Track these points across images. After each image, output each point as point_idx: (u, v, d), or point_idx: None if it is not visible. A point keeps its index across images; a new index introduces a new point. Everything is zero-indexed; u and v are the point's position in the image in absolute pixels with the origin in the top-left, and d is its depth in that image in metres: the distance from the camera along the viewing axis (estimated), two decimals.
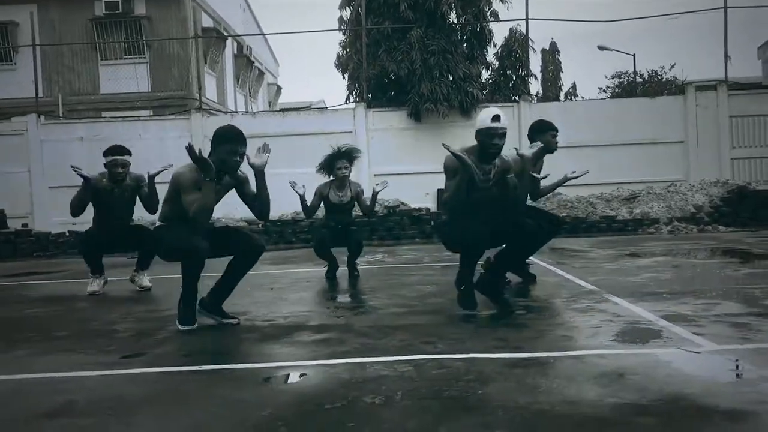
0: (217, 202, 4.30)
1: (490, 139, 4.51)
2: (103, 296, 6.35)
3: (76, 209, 6.27)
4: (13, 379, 3.45)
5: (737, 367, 3.14)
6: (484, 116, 4.56)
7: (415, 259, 8.81)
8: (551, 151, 5.87)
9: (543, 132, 5.82)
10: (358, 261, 7.14)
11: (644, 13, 49.49)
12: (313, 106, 38.00)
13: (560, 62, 39.11)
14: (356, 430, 2.46)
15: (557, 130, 6.00)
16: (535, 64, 28.45)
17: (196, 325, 4.40)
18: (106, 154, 6.35)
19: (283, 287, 6.46)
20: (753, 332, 3.73)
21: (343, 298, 5.81)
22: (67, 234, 12.42)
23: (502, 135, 4.54)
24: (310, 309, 5.12)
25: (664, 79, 30.97)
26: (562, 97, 36.43)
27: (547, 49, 36.85)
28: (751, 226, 11.49)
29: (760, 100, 14.81)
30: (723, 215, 11.73)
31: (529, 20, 15.18)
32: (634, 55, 29.26)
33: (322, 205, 6.89)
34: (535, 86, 19.95)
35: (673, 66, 32.30)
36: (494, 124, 4.49)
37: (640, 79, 30.58)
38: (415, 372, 3.18)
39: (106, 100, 20.84)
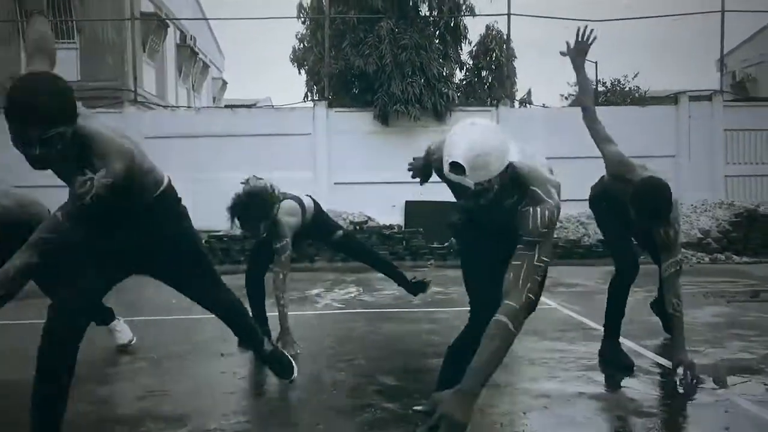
0: None
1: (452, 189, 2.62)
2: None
3: None
4: None
5: None
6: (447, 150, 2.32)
7: (400, 297, 7.11)
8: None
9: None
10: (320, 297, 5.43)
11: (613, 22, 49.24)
12: (259, 104, 36.12)
13: (515, 68, 38.16)
14: None
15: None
16: (522, 65, 27.26)
17: None
18: None
19: (236, 352, 4.70)
20: None
21: (325, 383, 4.04)
22: None
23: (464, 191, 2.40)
24: (273, 404, 3.37)
25: (626, 89, 30.17)
26: (516, 104, 35.48)
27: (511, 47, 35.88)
28: (764, 255, 10.24)
29: (760, 112, 13.67)
30: (732, 242, 10.45)
31: (510, 15, 13.67)
32: (596, 63, 28.27)
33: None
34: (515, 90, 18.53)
35: (636, 75, 31.57)
36: (451, 174, 2.30)
37: (603, 88, 29.67)
38: None
39: None
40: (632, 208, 3.48)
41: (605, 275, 7.00)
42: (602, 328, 4.19)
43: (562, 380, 3.81)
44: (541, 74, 35.59)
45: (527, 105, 35.88)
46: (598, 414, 3.24)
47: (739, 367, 3.96)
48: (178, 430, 3.03)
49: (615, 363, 4.00)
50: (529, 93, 38.15)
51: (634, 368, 3.93)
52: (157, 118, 13.65)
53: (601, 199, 4.22)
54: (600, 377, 3.87)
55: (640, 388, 3.62)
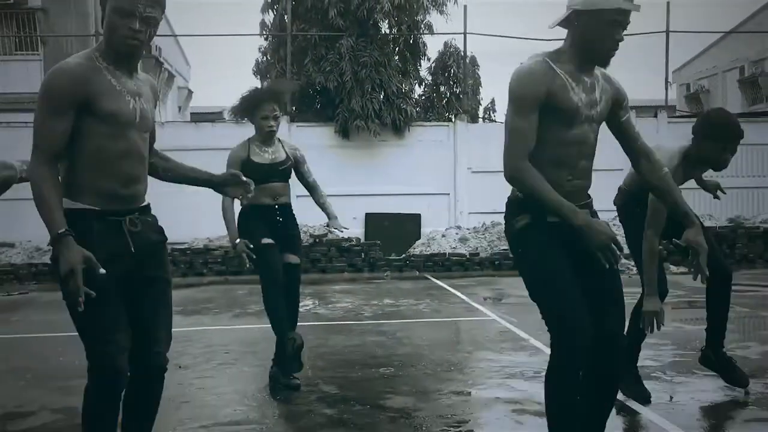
0: None
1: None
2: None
3: None
4: None
5: None
6: None
7: (353, 310, 7.54)
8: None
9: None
10: None
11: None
12: (225, 112, 36.20)
13: (479, 76, 38.84)
14: None
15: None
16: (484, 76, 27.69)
17: None
18: None
19: (197, 362, 5.08)
20: None
21: (279, 398, 4.41)
22: None
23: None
24: (235, 419, 3.76)
25: None
26: (481, 113, 36.15)
27: (467, 62, 36.46)
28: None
29: None
30: (672, 253, 11.04)
31: (467, 34, 14.21)
32: None
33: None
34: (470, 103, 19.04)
35: None
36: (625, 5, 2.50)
37: None
38: None
39: None
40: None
41: None
42: (531, 339, 4.55)
43: (485, 387, 4.27)
44: (503, 84, 36.27)
45: (491, 114, 36.58)
46: (510, 415, 3.69)
47: (643, 374, 4.45)
48: None
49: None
50: (492, 102, 38.73)
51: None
52: None
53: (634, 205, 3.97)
54: (517, 384, 4.32)
55: None
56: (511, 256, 9.82)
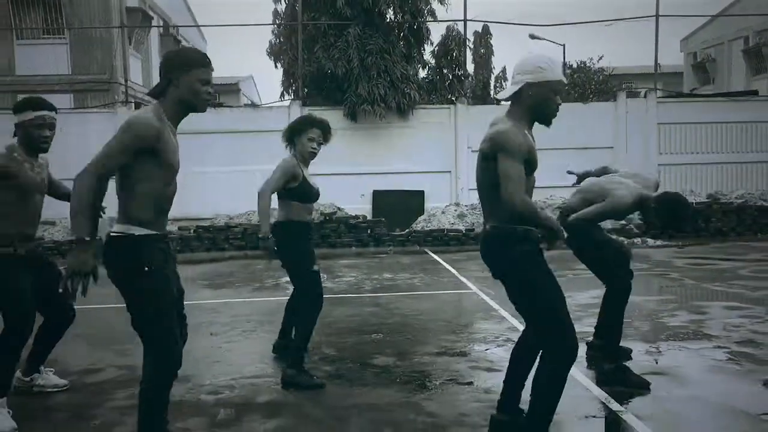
0: None
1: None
2: None
3: None
4: None
5: None
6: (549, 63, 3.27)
7: (356, 284, 8.70)
8: None
9: None
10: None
11: (579, 8, 50.31)
12: (241, 82, 37.10)
13: (492, 45, 39.31)
14: None
15: None
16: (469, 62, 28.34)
17: None
18: (24, 108, 4.04)
19: (225, 330, 6.26)
20: (692, 424, 3.80)
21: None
22: None
23: None
24: (257, 372, 4.94)
25: (592, 70, 31.70)
26: (492, 81, 36.83)
27: (480, 31, 36.91)
28: (677, 239, 11.90)
29: (688, 107, 15.29)
30: (651, 227, 12.09)
31: (467, 21, 15.11)
32: (564, 46, 29.71)
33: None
34: (471, 80, 19.88)
35: (601, 57, 33.14)
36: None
37: (569, 70, 31.14)
38: None
39: (22, 82, 19.67)
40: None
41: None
42: (500, 310, 5.46)
43: (454, 349, 5.41)
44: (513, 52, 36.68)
45: (503, 82, 36.99)
46: (467, 371, 4.81)
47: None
48: (183, 384, 4.54)
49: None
50: (504, 71, 39.11)
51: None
52: None
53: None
54: (479, 347, 5.44)
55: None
56: None
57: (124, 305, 2.99)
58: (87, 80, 20.00)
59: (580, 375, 4.56)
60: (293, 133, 4.88)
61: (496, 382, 4.64)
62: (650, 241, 11.78)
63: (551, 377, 3.18)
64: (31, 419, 4.03)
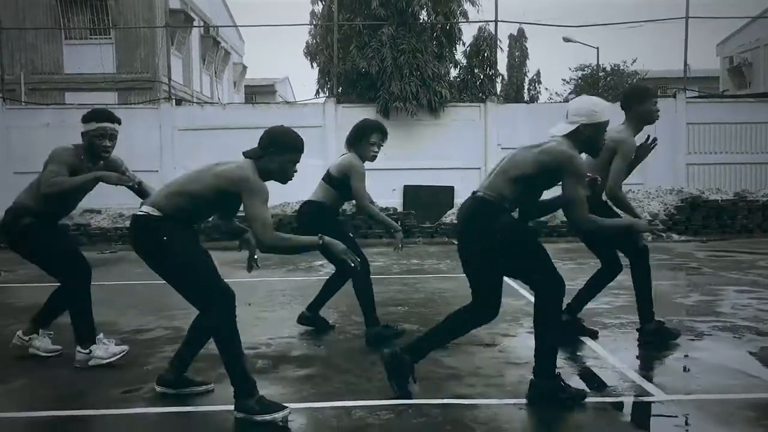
0: None
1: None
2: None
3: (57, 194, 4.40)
4: (18, 417, 3.68)
5: (686, 422, 3.54)
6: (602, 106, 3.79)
7: (384, 267, 9.13)
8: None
9: (645, 100, 4.85)
10: (323, 267, 7.39)
11: (610, 9, 50.14)
12: (277, 84, 37.83)
13: (527, 48, 39.46)
14: None
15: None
16: (502, 64, 28.57)
17: None
18: (90, 119, 4.47)
19: (261, 302, 6.73)
20: (698, 380, 4.14)
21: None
22: None
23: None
24: (290, 334, 5.40)
25: (625, 73, 31.72)
26: (526, 84, 37.00)
27: (515, 35, 37.10)
28: (702, 235, 12.11)
29: (717, 108, 15.44)
30: (676, 223, 12.33)
31: (498, 22, 15.48)
32: (597, 49, 29.85)
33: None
34: (501, 86, 20.21)
35: (634, 60, 33.15)
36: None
37: (603, 73, 31.23)
38: (397, 420, 3.50)
39: (69, 80, 20.56)
40: None
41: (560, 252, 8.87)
42: (519, 289, 5.75)
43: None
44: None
45: (536, 86, 37.03)
46: (480, 335, 5.20)
47: (595, 314, 5.90)
48: None
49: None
50: (538, 74, 39.14)
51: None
52: (189, 113, 15.71)
53: None
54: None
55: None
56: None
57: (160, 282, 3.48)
58: (131, 79, 20.79)
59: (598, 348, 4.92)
60: (357, 138, 5.25)
61: (510, 344, 5.04)
62: (675, 237, 12.00)
63: (550, 309, 3.71)
64: (94, 368, 4.52)
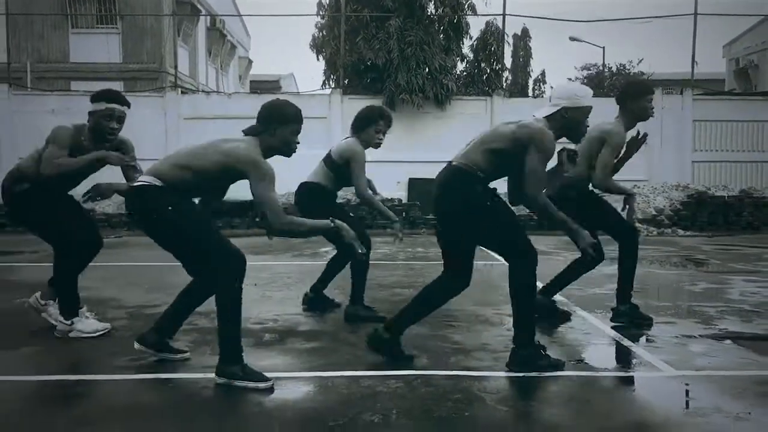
0: None
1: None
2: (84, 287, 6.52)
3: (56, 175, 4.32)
4: (31, 380, 3.68)
5: (694, 395, 3.52)
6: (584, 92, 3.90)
7: (389, 255, 9.12)
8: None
9: (639, 97, 4.79)
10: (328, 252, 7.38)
11: (617, 7, 50.11)
12: (282, 80, 37.86)
13: (531, 48, 39.42)
14: None
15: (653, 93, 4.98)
16: (507, 62, 28.61)
17: None
18: (99, 98, 4.40)
19: (266, 283, 6.72)
20: (707, 358, 4.12)
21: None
22: None
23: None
24: (297, 312, 5.38)
25: (631, 74, 31.67)
26: (531, 83, 36.95)
27: (519, 34, 37.05)
28: (707, 231, 12.08)
29: (724, 106, 15.40)
30: (682, 219, 12.31)
31: (506, 16, 15.45)
32: (603, 48, 29.81)
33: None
34: (507, 80, 20.15)
35: (641, 61, 33.11)
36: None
37: (608, 73, 31.20)
38: (405, 389, 3.49)
39: (75, 69, 20.56)
40: None
41: (563, 243, 8.89)
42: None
43: (472, 302, 5.79)
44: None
45: (541, 85, 37.00)
46: (475, 311, 5.19)
47: (599, 299, 5.88)
48: None
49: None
50: (543, 74, 39.19)
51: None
52: (194, 102, 15.70)
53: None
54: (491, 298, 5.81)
55: None
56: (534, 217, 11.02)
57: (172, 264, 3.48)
58: (137, 69, 20.79)
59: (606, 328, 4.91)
60: (362, 124, 5.18)
61: None
62: (680, 232, 11.97)
63: (525, 279, 3.77)
64: (99, 337, 4.52)
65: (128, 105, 4.53)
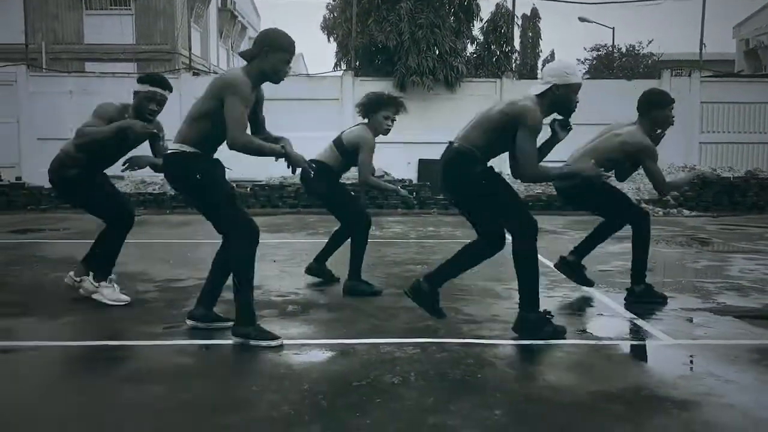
0: None
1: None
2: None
3: (90, 147, 4.71)
4: (76, 345, 3.99)
5: (690, 361, 3.80)
6: (574, 69, 4.10)
7: (401, 233, 9.40)
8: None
9: (663, 107, 4.94)
10: None
11: None
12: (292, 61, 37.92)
13: (540, 29, 39.31)
14: (384, 405, 3.05)
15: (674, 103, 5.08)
16: (516, 43, 28.62)
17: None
18: (144, 81, 4.73)
19: (285, 259, 7.01)
20: (704, 329, 4.40)
21: (344, 276, 6.28)
22: None
23: None
24: (318, 287, 5.67)
25: (640, 54, 31.64)
26: (540, 65, 36.93)
27: (528, 15, 36.95)
28: (712, 211, 12.30)
29: (732, 88, 15.54)
30: (687, 200, 12.52)
31: None
32: (613, 29, 29.77)
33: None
34: (516, 61, 20.24)
35: (650, 42, 33.08)
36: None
37: (618, 53, 31.17)
38: (422, 354, 3.78)
39: (89, 50, 20.84)
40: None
41: (573, 223, 9.13)
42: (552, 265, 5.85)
43: (482, 276, 6.07)
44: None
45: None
46: (486, 286, 5.46)
47: (604, 275, 6.14)
48: (254, 290, 5.29)
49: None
50: (552, 55, 39.11)
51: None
52: (206, 84, 15.93)
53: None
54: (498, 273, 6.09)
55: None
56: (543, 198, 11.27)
57: (193, 241, 3.78)
58: (150, 50, 21.03)
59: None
60: (371, 109, 5.34)
61: None
62: (685, 212, 12.19)
63: (526, 253, 4.09)
64: (132, 306, 4.84)
65: (170, 89, 4.84)
